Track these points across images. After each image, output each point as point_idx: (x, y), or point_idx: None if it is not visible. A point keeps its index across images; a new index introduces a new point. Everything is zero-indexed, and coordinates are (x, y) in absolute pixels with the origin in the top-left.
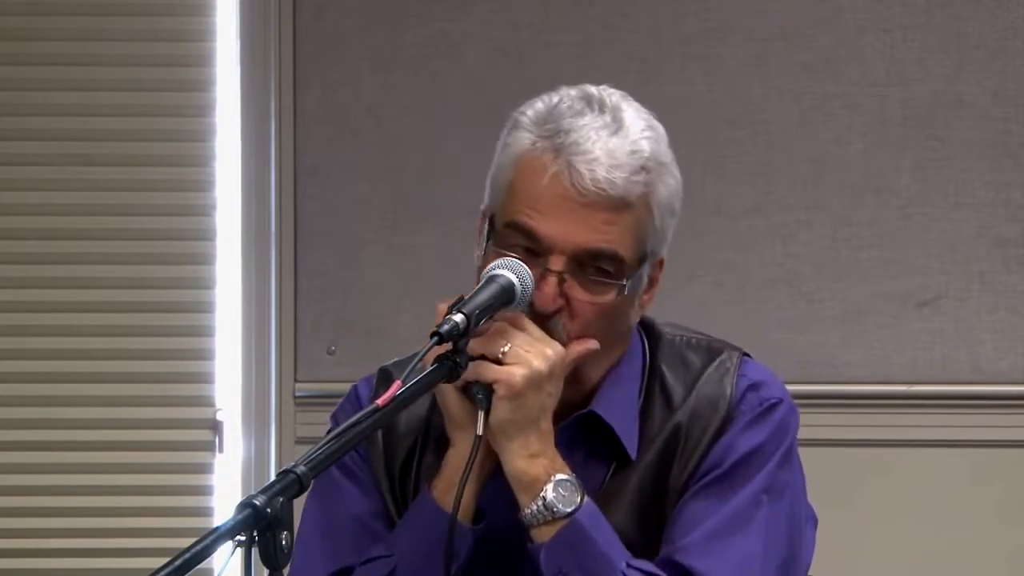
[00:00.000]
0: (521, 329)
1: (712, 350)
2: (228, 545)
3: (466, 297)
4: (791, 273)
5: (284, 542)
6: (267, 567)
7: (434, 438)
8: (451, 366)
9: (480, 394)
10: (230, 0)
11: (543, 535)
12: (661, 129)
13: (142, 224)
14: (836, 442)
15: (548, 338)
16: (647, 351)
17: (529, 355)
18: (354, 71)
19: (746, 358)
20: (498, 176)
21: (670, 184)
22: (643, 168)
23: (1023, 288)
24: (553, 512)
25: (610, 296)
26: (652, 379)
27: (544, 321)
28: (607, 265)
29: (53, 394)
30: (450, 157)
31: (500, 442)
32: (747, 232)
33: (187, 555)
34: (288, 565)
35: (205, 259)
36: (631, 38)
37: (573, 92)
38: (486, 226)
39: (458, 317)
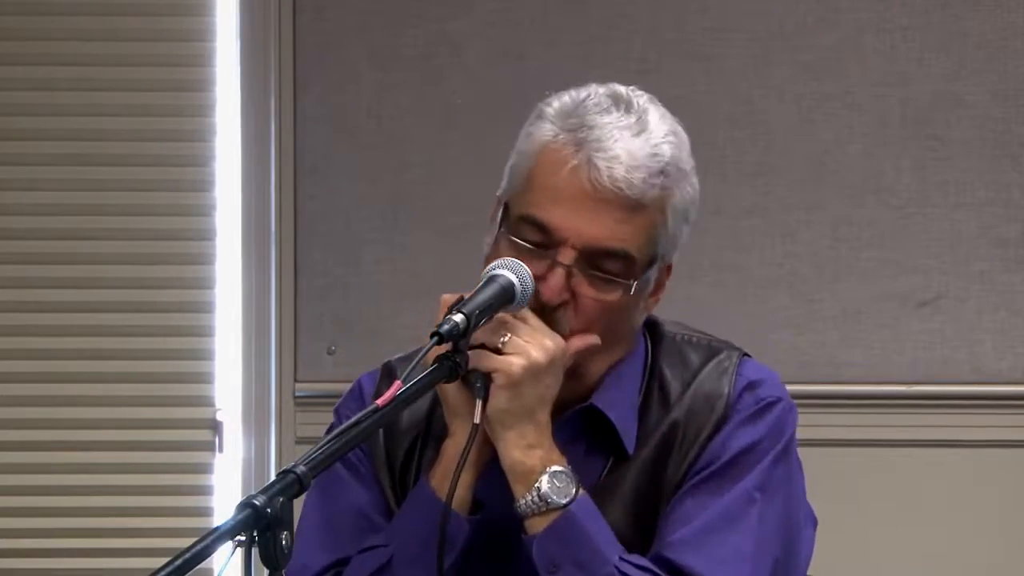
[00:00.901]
0: (522, 320)
1: (712, 349)
2: (228, 545)
3: (466, 297)
4: (791, 273)
5: (284, 542)
6: (267, 567)
7: (435, 434)
8: (451, 366)
9: (479, 383)
10: (230, 0)
11: (536, 526)
12: (684, 136)
13: (142, 224)
14: (836, 442)
15: (549, 330)
16: (649, 350)
17: (529, 346)
18: (354, 71)
19: (746, 358)
20: (518, 164)
21: (687, 192)
22: (662, 172)
23: (1023, 288)
24: (547, 503)
25: (616, 295)
26: (652, 378)
27: (548, 314)
28: (616, 264)
29: (53, 394)
30: (450, 157)
31: (497, 431)
32: (747, 232)
33: (187, 555)
34: (287, 565)
35: (205, 259)
36: (631, 38)
37: (602, 90)
38: (500, 212)
39: (458, 317)
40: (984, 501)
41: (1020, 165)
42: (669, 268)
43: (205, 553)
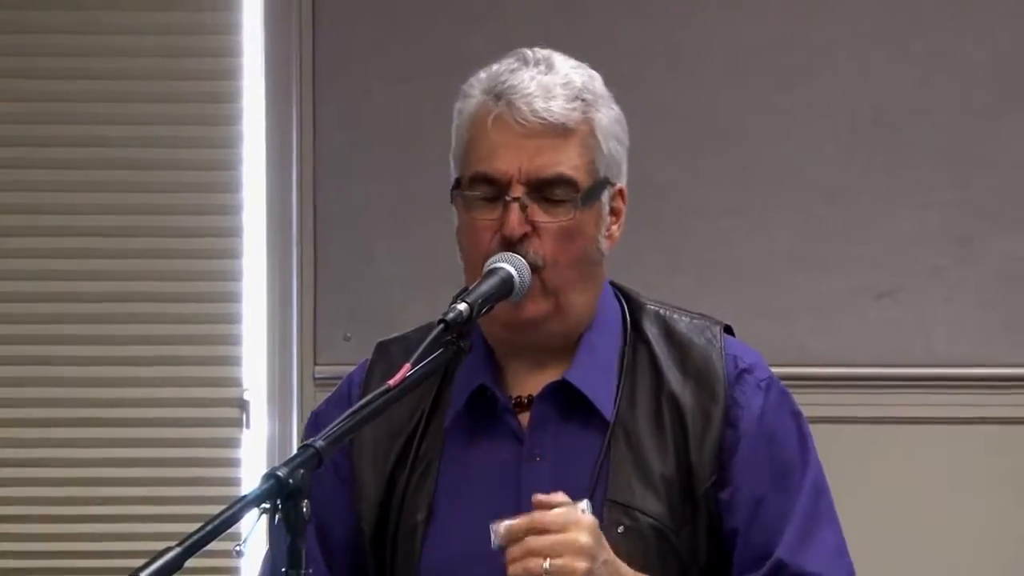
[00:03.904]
0: (548, 530)
1: (694, 324)
2: (254, 512)
3: (470, 288)
4: (766, 267)
5: (305, 510)
6: (289, 533)
7: (442, 408)
8: (455, 351)
9: None
10: (255, 19)
11: None
12: (594, 72)
13: (177, 222)
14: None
15: (576, 518)
16: (627, 317)
17: (568, 563)
18: (369, 83)
19: (726, 334)
20: (457, 143)
21: (610, 114)
22: (577, 97)
23: (972, 282)
24: None
25: (570, 215)
26: (637, 340)
27: (514, 247)
28: (562, 187)
29: (96, 375)
30: None
31: None
32: (726, 230)
33: (217, 521)
34: (306, 531)
35: (233, 254)
36: (623, 53)
37: (510, 58)
38: (454, 188)
39: (462, 306)
40: (936, 473)
41: (977, 169)
42: (622, 193)
43: (233, 519)
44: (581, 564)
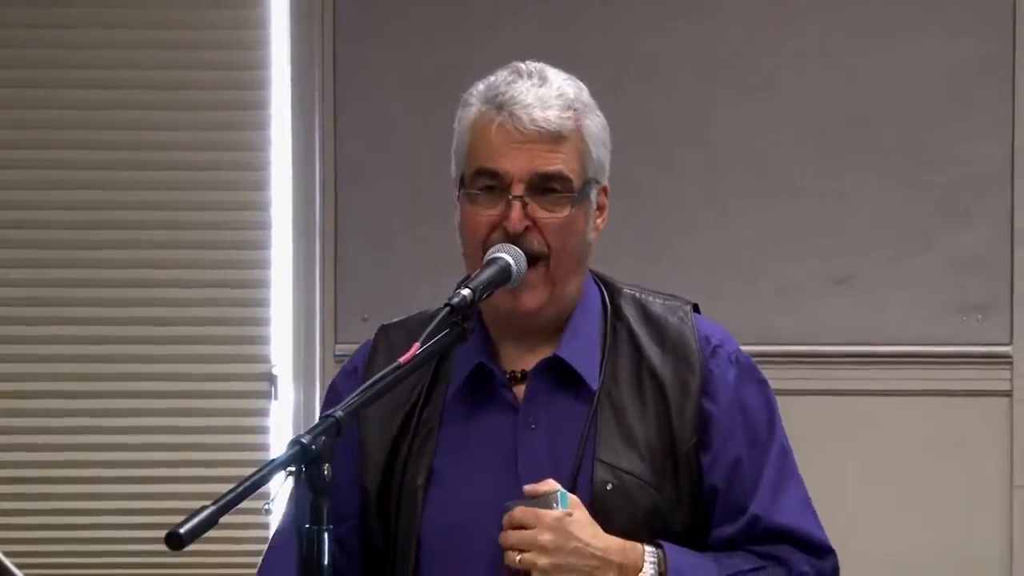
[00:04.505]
0: (522, 525)
1: (667, 304)
2: (281, 474)
3: (473, 275)
4: (735, 256)
5: (326, 473)
6: (312, 492)
7: (442, 379)
8: (460, 331)
9: None
10: (282, 35)
11: None
12: (581, 83)
13: (213, 217)
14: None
15: (540, 515)
16: (607, 300)
17: (531, 558)
18: (385, 92)
19: (695, 313)
20: (459, 145)
21: (597, 122)
22: (569, 107)
23: (921, 269)
24: None
25: (566, 209)
26: (617, 320)
27: (518, 240)
28: (558, 184)
29: (143, 353)
30: None
31: None
32: (698, 223)
33: (248, 482)
34: (328, 492)
35: (262, 245)
36: (604, 61)
37: (505, 70)
38: (458, 185)
39: (465, 291)
40: (888, 439)
41: (926, 169)
42: (605, 190)
43: (262, 481)
44: (543, 560)
